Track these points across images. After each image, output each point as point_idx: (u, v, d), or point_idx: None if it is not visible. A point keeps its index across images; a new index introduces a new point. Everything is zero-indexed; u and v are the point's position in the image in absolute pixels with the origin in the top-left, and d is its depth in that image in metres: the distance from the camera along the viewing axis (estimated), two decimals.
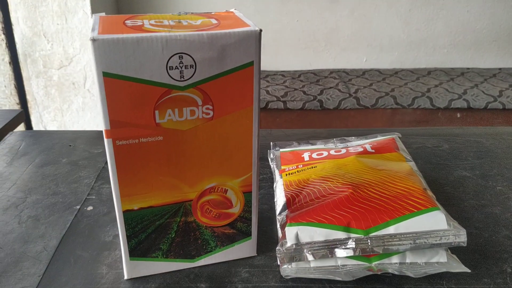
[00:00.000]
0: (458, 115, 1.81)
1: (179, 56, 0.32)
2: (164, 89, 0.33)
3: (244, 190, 0.39)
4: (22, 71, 1.80)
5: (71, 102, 1.86)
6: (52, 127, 1.90)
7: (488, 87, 1.88)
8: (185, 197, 0.38)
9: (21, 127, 1.74)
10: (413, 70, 2.13)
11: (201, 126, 0.35)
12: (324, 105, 1.77)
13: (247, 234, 0.41)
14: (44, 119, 1.90)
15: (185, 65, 0.32)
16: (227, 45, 0.32)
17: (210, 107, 0.34)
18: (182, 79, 0.33)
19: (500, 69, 2.13)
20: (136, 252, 0.39)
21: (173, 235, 0.39)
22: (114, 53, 0.30)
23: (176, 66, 0.32)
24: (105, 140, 0.33)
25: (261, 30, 0.33)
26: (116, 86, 0.31)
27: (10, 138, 0.68)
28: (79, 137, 0.68)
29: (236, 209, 0.40)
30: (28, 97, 1.85)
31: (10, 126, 0.76)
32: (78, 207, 0.50)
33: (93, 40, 0.30)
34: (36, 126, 1.90)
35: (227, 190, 0.38)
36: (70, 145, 0.65)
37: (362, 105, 1.78)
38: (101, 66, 0.31)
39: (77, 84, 1.82)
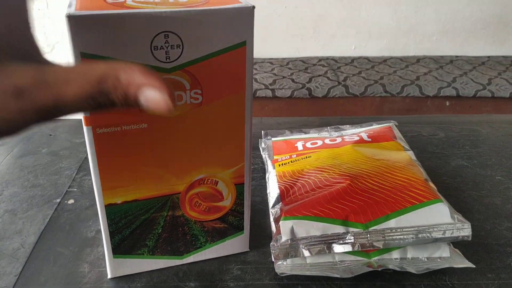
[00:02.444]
0: (447, 103, 1.80)
1: (164, 35, 0.29)
2: None
3: (236, 181, 0.36)
4: None
5: None
6: None
7: (477, 75, 1.87)
8: (172, 190, 0.35)
9: None
10: (402, 58, 2.12)
11: (189, 113, 0.32)
12: (313, 93, 1.75)
13: (239, 229, 0.39)
14: None
15: (171, 45, 0.29)
16: (217, 23, 0.30)
17: (199, 92, 0.32)
18: (168, 60, 0.30)
19: (488, 57, 2.12)
20: (120, 249, 0.36)
21: (160, 231, 0.36)
22: (93, 32, 0.27)
23: (162, 46, 0.29)
24: (84, 128, 0.30)
25: (253, 7, 0.30)
26: None
27: None
28: (59, 125, 0.65)
29: (227, 202, 0.37)
30: None
31: None
32: (58, 200, 0.47)
33: (69, 17, 0.27)
34: None
35: (218, 181, 0.36)
36: (51, 134, 0.62)
37: (351, 93, 1.76)
38: (79, 46, 0.28)
39: None
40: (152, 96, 0.21)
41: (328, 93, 1.76)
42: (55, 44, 1.72)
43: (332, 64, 2.02)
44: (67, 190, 0.49)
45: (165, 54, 0.30)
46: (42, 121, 0.21)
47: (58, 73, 0.21)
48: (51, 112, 0.21)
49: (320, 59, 2.09)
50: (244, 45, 0.31)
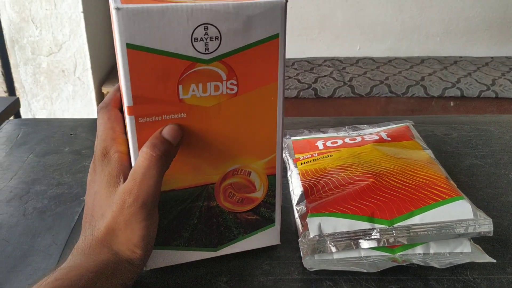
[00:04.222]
0: (452, 103, 1.81)
1: (204, 27, 0.30)
2: (188, 63, 0.31)
3: (268, 172, 0.37)
4: (9, 58, 1.75)
5: (61, 90, 1.82)
6: (41, 115, 1.86)
7: (481, 75, 1.88)
8: (207, 180, 0.36)
9: None
10: (407, 58, 2.13)
11: (225, 103, 0.33)
12: (318, 93, 1.76)
13: (270, 221, 0.39)
14: (33, 107, 1.85)
15: (210, 37, 0.31)
16: (252, 16, 0.31)
17: (235, 82, 0.33)
18: (207, 51, 0.31)
19: (492, 58, 2.14)
20: (157, 240, 0.36)
21: (195, 222, 0.37)
22: (139, 24, 0.29)
23: (201, 38, 0.31)
24: (127, 117, 0.32)
25: (287, 1, 0.32)
26: (140, 58, 0.30)
27: (7, 127, 0.66)
28: (79, 125, 0.66)
29: (259, 193, 0.38)
30: (16, 84, 1.81)
31: (6, 114, 0.73)
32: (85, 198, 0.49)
33: (117, 9, 0.28)
34: (24, 114, 1.86)
35: (251, 172, 0.37)
36: (71, 134, 0.63)
37: (356, 93, 1.78)
38: (125, 37, 0.29)
39: (67, 72, 1.78)
40: (167, 129, 0.33)
41: (334, 93, 1.77)
42: (63, 44, 1.73)
43: (337, 64, 2.04)
44: None
45: (204, 46, 0.31)
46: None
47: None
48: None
49: (326, 59, 2.10)
50: (277, 37, 0.33)
